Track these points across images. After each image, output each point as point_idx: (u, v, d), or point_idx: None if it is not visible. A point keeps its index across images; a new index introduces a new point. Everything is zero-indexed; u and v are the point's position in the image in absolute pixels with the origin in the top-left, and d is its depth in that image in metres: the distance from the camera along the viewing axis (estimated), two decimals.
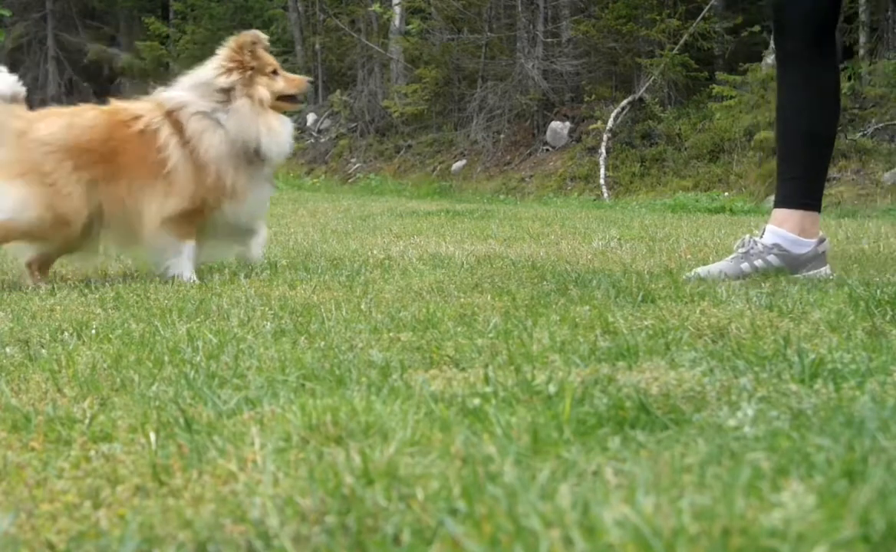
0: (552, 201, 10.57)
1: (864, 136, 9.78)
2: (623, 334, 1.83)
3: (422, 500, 0.96)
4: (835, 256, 3.38)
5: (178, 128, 3.14)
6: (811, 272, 2.79)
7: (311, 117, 16.32)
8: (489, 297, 2.41)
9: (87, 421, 1.34)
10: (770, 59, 10.32)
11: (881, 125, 9.92)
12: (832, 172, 9.13)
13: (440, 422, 1.25)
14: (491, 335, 1.88)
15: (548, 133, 12.90)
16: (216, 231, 3.29)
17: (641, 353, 1.66)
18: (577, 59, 13.22)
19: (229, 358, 1.73)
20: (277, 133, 3.22)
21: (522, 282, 2.74)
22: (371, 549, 0.88)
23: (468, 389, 1.43)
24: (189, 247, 3.16)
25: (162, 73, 17.75)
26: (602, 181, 11.14)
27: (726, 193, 9.81)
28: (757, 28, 11.64)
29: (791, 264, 2.79)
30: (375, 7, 15.21)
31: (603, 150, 11.49)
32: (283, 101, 3.32)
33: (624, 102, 12.01)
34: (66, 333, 2.07)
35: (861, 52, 11.56)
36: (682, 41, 11.96)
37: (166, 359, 1.75)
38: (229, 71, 3.20)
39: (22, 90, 3.16)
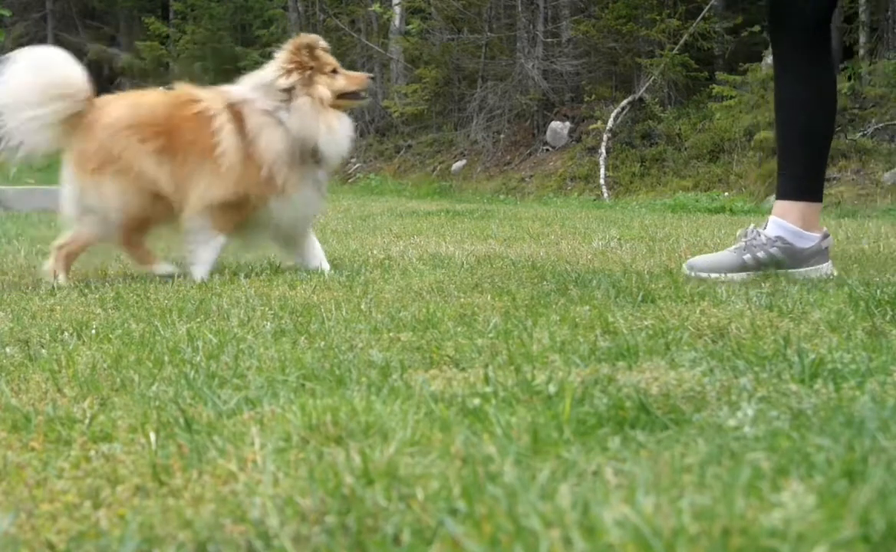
0: (552, 201, 10.57)
1: (864, 136, 9.78)
2: (623, 334, 1.83)
3: (422, 500, 0.96)
4: (835, 256, 3.38)
5: (237, 118, 3.19)
6: (813, 267, 2.79)
7: None
8: (489, 297, 2.41)
9: (87, 421, 1.34)
10: (770, 58, 10.29)
11: (881, 125, 9.92)
12: (832, 172, 9.14)
13: (440, 422, 1.25)
14: (491, 335, 1.88)
15: (548, 133, 12.90)
16: (260, 230, 3.32)
17: (641, 353, 1.66)
18: (577, 59, 13.22)
19: (229, 358, 1.73)
20: (336, 132, 3.26)
21: (522, 282, 2.74)
22: (371, 549, 0.88)
23: (468, 389, 1.43)
24: (219, 241, 3.20)
25: (162, 73, 17.77)
26: (602, 181, 11.14)
27: (726, 193, 9.81)
28: (757, 28, 11.63)
29: (794, 258, 2.79)
30: (375, 7, 15.21)
31: (603, 150, 11.49)
32: (346, 99, 3.35)
33: (624, 102, 12.01)
34: (66, 333, 2.07)
35: (861, 52, 11.57)
36: (682, 41, 11.96)
37: (166, 359, 1.75)
38: (288, 72, 3.23)
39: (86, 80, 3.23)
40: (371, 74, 3.75)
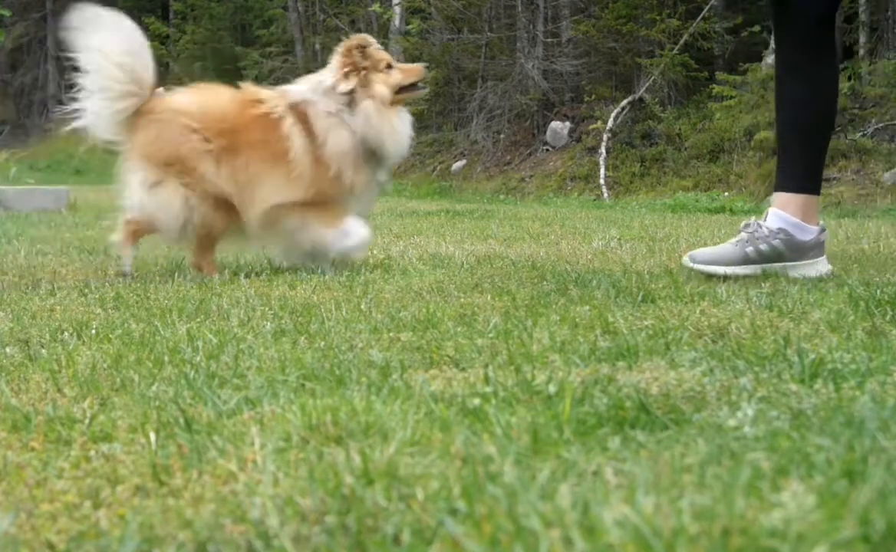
0: (552, 201, 10.57)
1: (864, 136, 9.78)
2: (623, 334, 1.83)
3: (422, 500, 0.96)
4: (835, 256, 3.38)
5: (303, 120, 3.21)
6: (811, 260, 2.79)
7: None
8: (489, 297, 2.41)
9: (87, 421, 1.34)
10: (770, 58, 10.31)
11: (881, 125, 9.92)
12: (832, 172, 9.14)
13: (440, 422, 1.25)
14: (491, 335, 1.88)
15: (548, 133, 12.90)
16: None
17: (641, 353, 1.66)
18: (577, 59, 13.23)
19: (229, 358, 1.73)
20: (399, 133, 3.30)
21: (522, 282, 2.74)
22: (371, 549, 0.88)
23: (468, 389, 1.43)
24: (347, 222, 3.26)
25: (162, 73, 17.76)
26: (602, 181, 11.14)
27: (726, 193, 9.82)
28: (757, 28, 11.64)
29: (795, 251, 2.79)
30: (375, 7, 15.21)
31: (603, 150, 11.49)
32: (405, 92, 3.37)
33: (624, 102, 12.02)
34: (66, 333, 2.07)
35: (861, 52, 11.57)
36: (682, 41, 11.96)
37: (166, 359, 1.75)
38: (346, 76, 3.26)
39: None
40: (425, 63, 3.77)
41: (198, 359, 1.73)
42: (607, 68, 13.18)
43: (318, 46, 17.06)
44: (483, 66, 13.77)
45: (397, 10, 15.13)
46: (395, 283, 2.76)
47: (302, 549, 0.89)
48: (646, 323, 1.95)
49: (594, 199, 10.71)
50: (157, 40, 19.90)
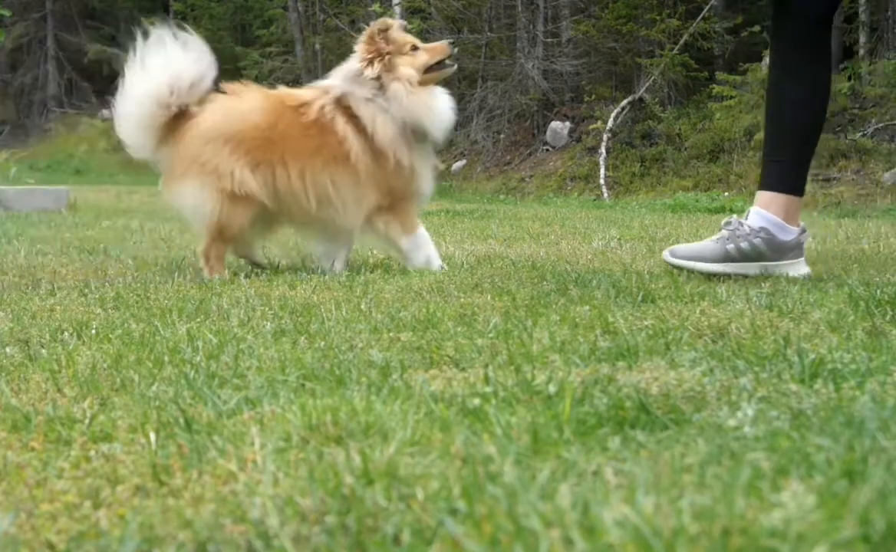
0: (552, 201, 10.57)
1: (864, 136, 9.79)
2: (623, 334, 1.83)
3: (422, 500, 0.96)
4: (835, 256, 3.38)
5: (350, 115, 3.18)
6: (791, 261, 2.79)
7: None
8: (489, 297, 2.41)
9: (87, 421, 1.34)
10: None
11: (881, 125, 9.92)
12: (832, 172, 9.14)
13: (440, 422, 1.25)
14: (491, 335, 1.88)
15: (548, 133, 12.91)
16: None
17: (641, 353, 1.66)
18: (577, 59, 13.23)
19: (229, 358, 1.73)
20: (435, 109, 3.25)
21: (522, 282, 2.74)
22: (371, 549, 0.88)
23: (468, 389, 1.43)
24: (421, 235, 3.29)
25: None
26: (602, 181, 11.15)
27: (726, 193, 9.82)
28: (757, 28, 11.64)
29: (775, 250, 2.78)
30: (375, 7, 15.19)
31: (603, 150, 11.49)
32: (433, 71, 3.32)
33: (624, 102, 12.02)
34: (66, 333, 2.07)
35: (861, 52, 11.58)
36: (682, 41, 11.96)
37: (166, 359, 1.75)
38: (371, 62, 3.22)
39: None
40: (450, 39, 3.72)
41: (198, 359, 1.73)
42: (607, 68, 13.19)
43: (318, 46, 17.05)
44: (483, 66, 13.78)
45: (397, 10, 15.12)
46: (395, 283, 2.76)
47: (302, 549, 0.89)
48: (646, 323, 1.95)
49: (594, 199, 10.71)
50: None
